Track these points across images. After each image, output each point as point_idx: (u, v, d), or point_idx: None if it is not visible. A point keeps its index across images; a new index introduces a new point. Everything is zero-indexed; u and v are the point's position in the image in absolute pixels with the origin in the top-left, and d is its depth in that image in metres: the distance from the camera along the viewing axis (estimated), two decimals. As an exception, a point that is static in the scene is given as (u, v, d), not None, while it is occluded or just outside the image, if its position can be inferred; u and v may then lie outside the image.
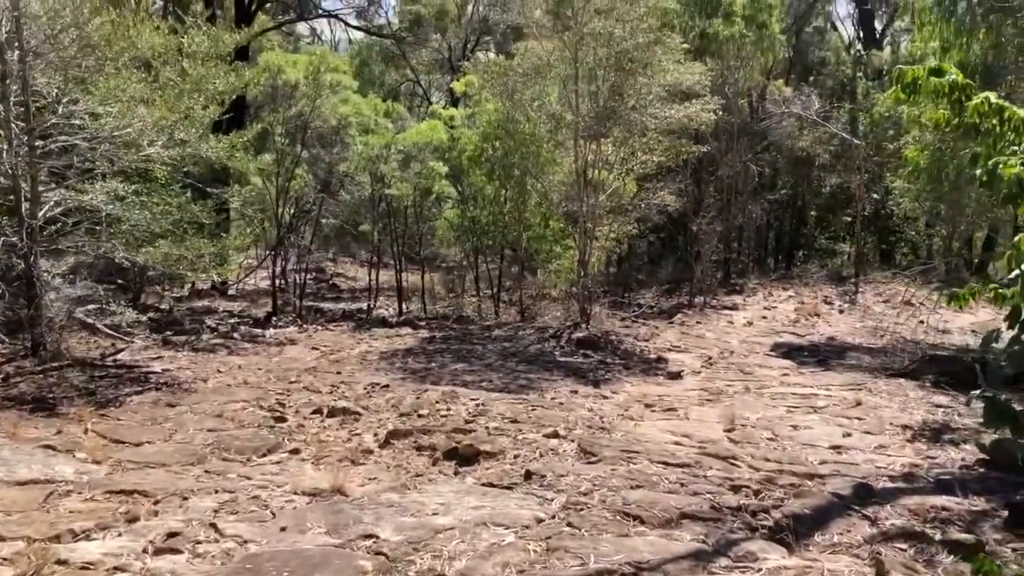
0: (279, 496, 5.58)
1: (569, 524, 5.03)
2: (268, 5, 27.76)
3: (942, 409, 9.29)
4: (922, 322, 17.42)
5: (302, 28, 34.31)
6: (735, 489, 5.94)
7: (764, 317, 17.69)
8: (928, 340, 15.37)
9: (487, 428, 7.78)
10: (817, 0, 31.84)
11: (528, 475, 6.11)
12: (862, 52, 31.65)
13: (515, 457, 6.87)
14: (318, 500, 5.51)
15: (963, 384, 10.65)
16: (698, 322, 16.67)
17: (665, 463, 6.56)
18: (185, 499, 5.50)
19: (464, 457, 6.91)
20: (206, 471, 6.26)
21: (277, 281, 17.56)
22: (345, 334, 14.12)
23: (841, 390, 10.56)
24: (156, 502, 5.45)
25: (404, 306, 17.19)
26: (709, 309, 18.26)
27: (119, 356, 10.89)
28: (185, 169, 11.21)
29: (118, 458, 6.62)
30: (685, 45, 14.27)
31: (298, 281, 18.45)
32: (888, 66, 30.67)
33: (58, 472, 6.11)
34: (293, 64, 14.79)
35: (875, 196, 26.12)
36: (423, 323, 15.39)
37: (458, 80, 19.41)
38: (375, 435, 7.82)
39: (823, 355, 13.55)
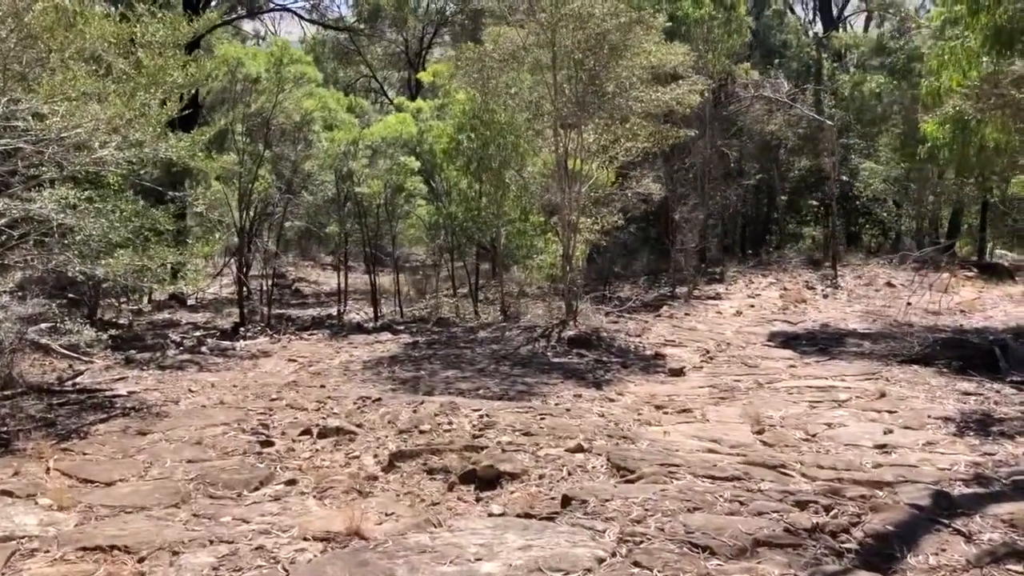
0: (287, 544, 4.76)
1: (636, 564, 4.31)
2: (214, 3, 26.61)
3: (973, 397, 8.77)
4: (909, 303, 17.14)
5: (246, 28, 33.08)
6: (800, 505, 5.27)
7: (752, 306, 17.18)
8: (921, 323, 15.01)
9: (500, 443, 7.04)
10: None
11: (566, 501, 5.37)
12: (823, 34, 31.43)
13: (540, 477, 6.14)
14: (334, 547, 4.70)
15: (981, 368, 10.21)
16: (686, 314, 16.09)
17: (712, 477, 5.87)
18: (175, 554, 4.66)
19: (484, 480, 6.16)
20: (194, 514, 5.41)
21: (238, 288, 16.57)
22: (321, 343, 13.24)
23: (857, 380, 10.03)
24: (141, 560, 4.61)
25: (378, 310, 16.32)
26: (694, 300, 17.72)
27: (79, 380, 9.93)
28: (143, 171, 10.25)
29: (88, 502, 5.74)
30: (668, 23, 13.62)
31: (264, 288, 17.47)
32: (847, 47, 30.46)
33: (19, 525, 5.23)
34: (253, 57, 13.82)
35: (843, 178, 25.89)
36: (402, 327, 14.56)
37: (424, 70, 18.59)
38: (376, 457, 7.04)
39: (822, 343, 13.06)
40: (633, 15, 12.62)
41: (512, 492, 5.90)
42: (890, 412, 8.23)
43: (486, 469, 6.24)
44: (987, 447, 6.78)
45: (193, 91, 11.25)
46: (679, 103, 13.22)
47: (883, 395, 8.96)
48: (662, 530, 4.81)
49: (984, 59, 7.70)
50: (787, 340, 13.42)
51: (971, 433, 7.23)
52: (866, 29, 35.71)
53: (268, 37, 31.49)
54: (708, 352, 12.40)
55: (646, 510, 5.12)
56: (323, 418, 8.30)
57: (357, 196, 15.26)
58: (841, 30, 35.06)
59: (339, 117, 15.45)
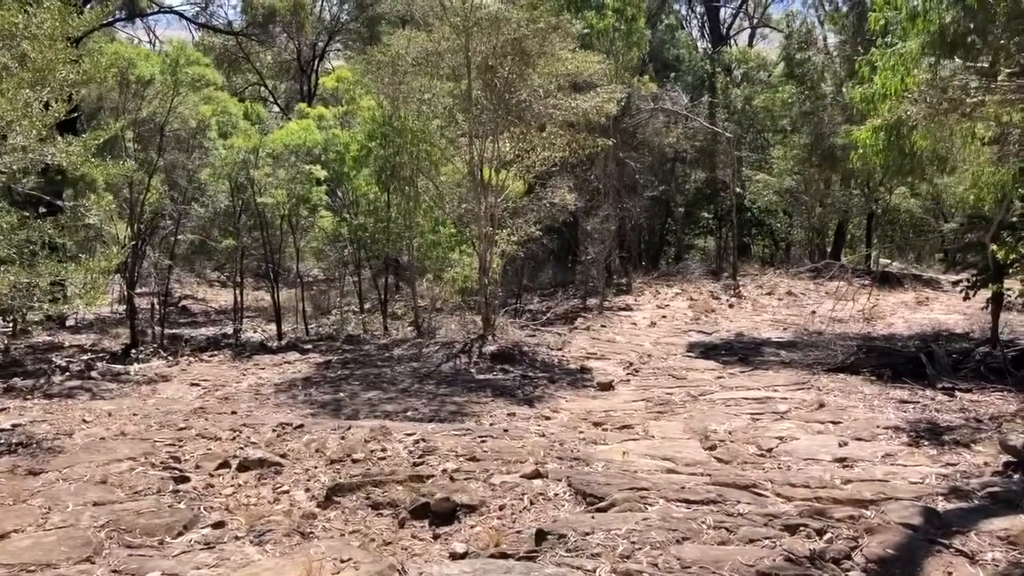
0: (235, 604, 4.11)
1: (644, 608, 3.87)
2: (89, 5, 24.99)
3: (911, 405, 8.72)
4: (814, 312, 17.45)
5: (122, 35, 31.10)
6: (790, 529, 4.95)
7: (664, 316, 17.12)
8: (830, 330, 15.21)
9: (446, 471, 6.50)
10: (666, -1, 31.98)
11: (541, 536, 4.89)
12: (713, 50, 32.08)
13: (501, 508, 5.65)
14: (292, 605, 4.08)
15: (908, 375, 10.26)
16: (602, 326, 15.86)
17: (686, 501, 5.51)
18: (100, 623, 3.94)
19: (439, 514, 5.61)
20: (113, 570, 4.66)
21: (128, 307, 15.37)
22: (224, 364, 12.32)
23: (790, 390, 9.91)
24: (57, 632, 3.87)
25: (281, 328, 15.42)
26: (606, 311, 17.53)
27: (-49, 413, 8.83)
28: (25, 180, 9.22)
29: (-20, 560, 4.90)
30: (586, 30, 13.36)
31: (153, 306, 16.34)
32: (736, 62, 31.20)
33: None
34: (146, 58, 12.79)
35: (739, 190, 26.39)
36: (309, 346, 13.74)
37: (319, 78, 17.81)
38: (308, 491, 6.38)
39: (741, 353, 12.99)
40: (551, 21, 12.30)
41: (472, 527, 5.40)
42: (835, 423, 8.08)
43: (440, 502, 5.69)
44: (947, 457, 6.66)
45: (80, 92, 10.19)
46: (597, 111, 12.96)
47: (822, 405, 8.83)
48: (656, 565, 4.40)
49: (923, 63, 7.66)
50: (706, 350, 13.32)
51: (926, 443, 7.10)
52: (750, 44, 36.76)
53: (146, 43, 29.77)
54: (632, 364, 12.14)
55: (632, 543, 4.70)
56: (240, 448, 7.57)
57: (257, 207, 14.36)
58: (728, 45, 35.99)
59: (239, 124, 14.53)
